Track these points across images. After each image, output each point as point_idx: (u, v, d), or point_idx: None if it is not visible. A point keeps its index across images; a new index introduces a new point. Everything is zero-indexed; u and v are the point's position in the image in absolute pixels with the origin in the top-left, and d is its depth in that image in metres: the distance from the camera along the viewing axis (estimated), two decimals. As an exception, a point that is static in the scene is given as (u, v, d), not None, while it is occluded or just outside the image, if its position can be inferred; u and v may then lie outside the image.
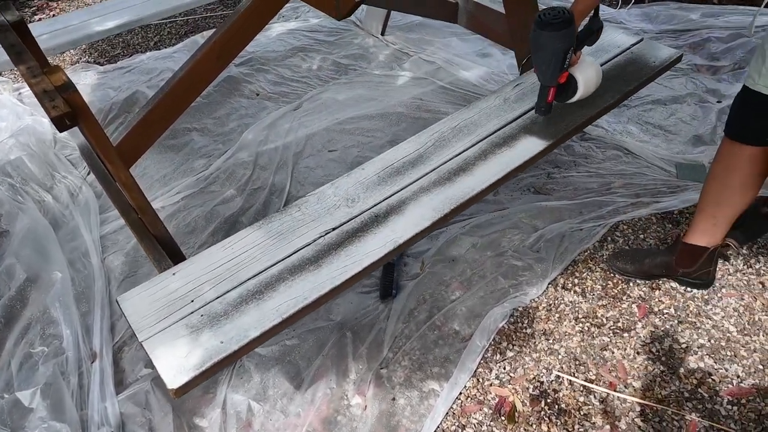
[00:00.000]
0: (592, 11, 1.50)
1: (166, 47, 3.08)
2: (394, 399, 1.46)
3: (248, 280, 1.27)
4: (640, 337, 1.55)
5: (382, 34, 2.93)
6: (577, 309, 1.63)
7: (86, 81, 2.73)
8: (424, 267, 1.79)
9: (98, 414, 1.46)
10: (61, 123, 1.20)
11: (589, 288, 1.68)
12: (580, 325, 1.59)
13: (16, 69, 1.92)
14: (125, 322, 1.21)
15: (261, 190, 2.12)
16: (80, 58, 3.00)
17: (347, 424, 1.42)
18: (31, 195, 2.11)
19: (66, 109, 1.19)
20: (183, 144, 2.35)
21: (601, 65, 1.87)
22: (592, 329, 1.58)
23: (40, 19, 3.39)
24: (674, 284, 1.66)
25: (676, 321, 1.58)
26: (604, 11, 2.93)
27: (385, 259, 1.34)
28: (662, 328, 1.56)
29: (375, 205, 1.44)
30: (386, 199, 1.46)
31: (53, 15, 3.44)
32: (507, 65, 2.63)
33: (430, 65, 2.69)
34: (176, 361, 1.11)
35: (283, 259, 1.31)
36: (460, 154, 1.57)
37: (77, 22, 2.10)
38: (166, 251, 1.51)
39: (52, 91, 1.21)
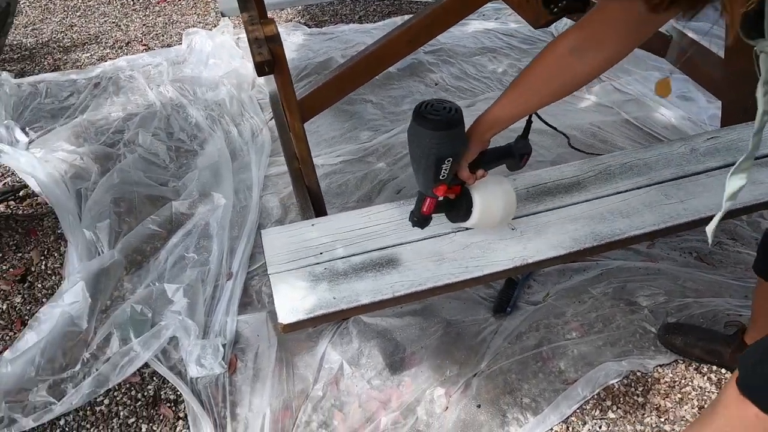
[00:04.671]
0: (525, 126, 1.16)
1: (368, 22, 3.28)
2: (475, 412, 1.44)
3: (374, 251, 1.33)
4: (774, 454, 1.33)
5: (579, 52, 2.80)
6: (705, 398, 1.44)
7: (293, 39, 3.03)
8: (547, 297, 1.71)
9: (219, 325, 1.65)
10: (261, 68, 1.35)
11: (727, 379, 1.48)
12: (704, 414, 1.41)
13: (239, 16, 2.21)
14: (263, 255, 1.34)
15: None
16: (293, 18, 3.33)
17: (424, 418, 1.44)
18: (222, 126, 2.41)
19: (268, 57, 1.34)
20: (356, 112, 2.51)
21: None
22: (717, 424, 1.39)
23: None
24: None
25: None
26: None
27: (508, 273, 1.31)
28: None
29: (516, 218, 1.41)
30: (529, 215, 1.42)
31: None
32: (709, 115, 2.36)
33: (621, 95, 2.52)
34: (291, 302, 1.21)
35: (410, 242, 1.35)
36: (621, 192, 1.47)
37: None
38: (313, 204, 1.64)
39: (262, 39, 1.37)
